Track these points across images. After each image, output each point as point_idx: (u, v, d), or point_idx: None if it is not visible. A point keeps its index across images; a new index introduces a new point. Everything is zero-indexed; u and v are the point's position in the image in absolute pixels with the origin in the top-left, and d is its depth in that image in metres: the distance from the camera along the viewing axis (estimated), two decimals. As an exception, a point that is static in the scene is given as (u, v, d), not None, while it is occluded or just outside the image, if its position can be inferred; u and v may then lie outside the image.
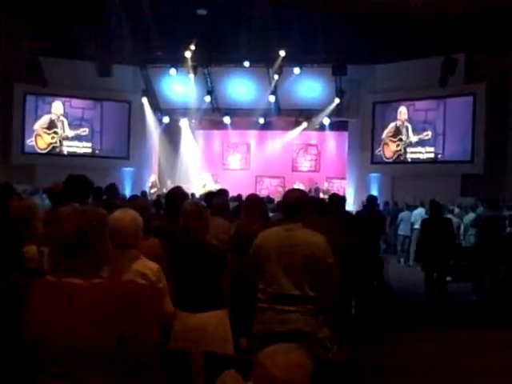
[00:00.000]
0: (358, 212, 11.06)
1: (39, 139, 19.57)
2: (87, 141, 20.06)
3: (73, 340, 1.95)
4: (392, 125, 19.18)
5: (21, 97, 18.78)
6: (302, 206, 3.93)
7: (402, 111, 19.00)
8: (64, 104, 19.68)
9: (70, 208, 2.23)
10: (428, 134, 18.42)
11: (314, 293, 3.69)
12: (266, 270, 3.84)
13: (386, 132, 19.29)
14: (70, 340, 1.95)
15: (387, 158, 19.42)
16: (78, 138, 19.91)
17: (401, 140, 19.06)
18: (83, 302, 1.98)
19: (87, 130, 20.00)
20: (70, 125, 19.78)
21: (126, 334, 1.95)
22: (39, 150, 19.50)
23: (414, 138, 18.81)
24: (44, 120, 19.54)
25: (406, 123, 18.93)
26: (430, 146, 18.42)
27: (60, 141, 19.77)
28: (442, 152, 18.21)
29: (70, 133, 19.83)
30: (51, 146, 19.68)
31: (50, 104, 19.57)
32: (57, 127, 19.71)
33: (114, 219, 3.35)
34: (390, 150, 19.34)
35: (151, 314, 2.12)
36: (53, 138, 19.71)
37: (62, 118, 19.76)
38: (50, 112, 19.59)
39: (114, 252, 3.27)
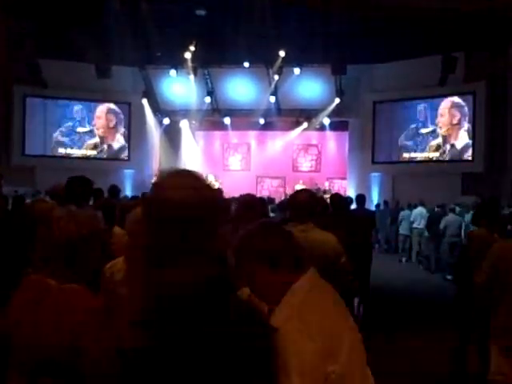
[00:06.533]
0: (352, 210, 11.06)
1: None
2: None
3: (35, 341, 1.93)
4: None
5: (20, 99, 18.78)
6: (312, 206, 3.95)
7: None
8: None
9: (64, 212, 2.15)
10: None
11: None
12: None
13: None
14: (32, 340, 1.93)
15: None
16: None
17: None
18: (51, 302, 1.96)
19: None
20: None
21: (80, 349, 1.88)
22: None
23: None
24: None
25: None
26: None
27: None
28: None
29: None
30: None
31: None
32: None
33: None
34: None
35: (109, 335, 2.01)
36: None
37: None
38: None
39: None
